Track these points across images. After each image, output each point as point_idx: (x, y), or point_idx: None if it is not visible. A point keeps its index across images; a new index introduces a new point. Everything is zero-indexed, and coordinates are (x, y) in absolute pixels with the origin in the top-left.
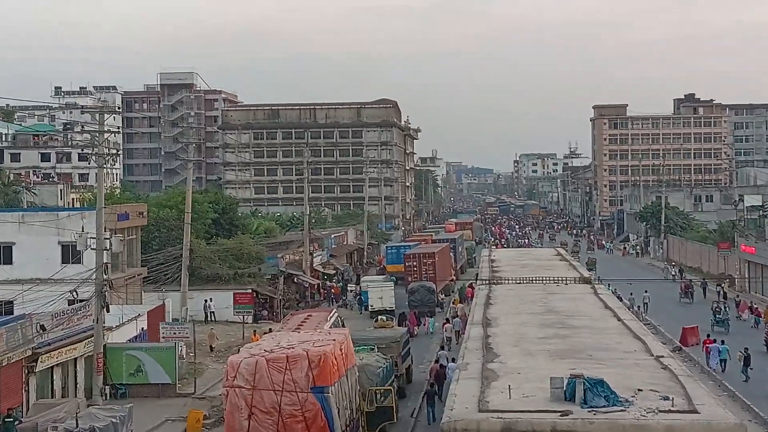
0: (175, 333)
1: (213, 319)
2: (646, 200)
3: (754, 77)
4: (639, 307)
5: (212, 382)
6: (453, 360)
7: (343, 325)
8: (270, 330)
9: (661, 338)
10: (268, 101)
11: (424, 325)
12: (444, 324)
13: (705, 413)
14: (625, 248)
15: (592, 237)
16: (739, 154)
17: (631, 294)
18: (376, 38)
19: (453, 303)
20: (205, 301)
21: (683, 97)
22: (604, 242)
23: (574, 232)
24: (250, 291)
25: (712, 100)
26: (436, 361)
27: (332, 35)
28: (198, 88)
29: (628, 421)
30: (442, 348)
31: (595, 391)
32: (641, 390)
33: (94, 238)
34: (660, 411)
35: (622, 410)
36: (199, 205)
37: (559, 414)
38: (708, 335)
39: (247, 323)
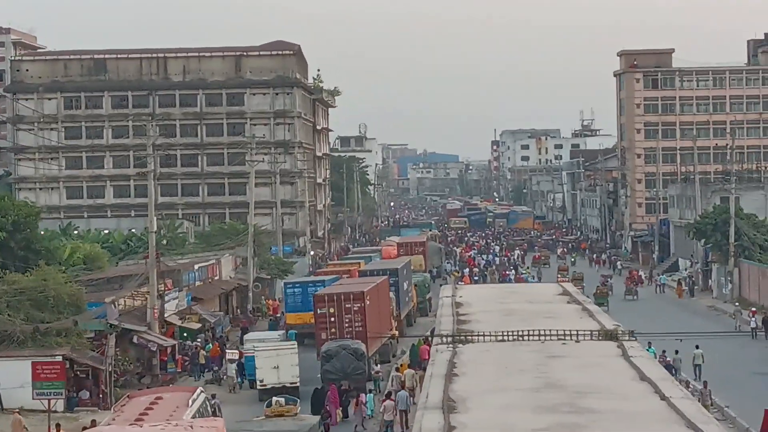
0: None
1: None
2: (706, 204)
3: None
4: (703, 386)
5: None
6: None
7: (217, 413)
8: (93, 423)
9: (731, 427)
10: (89, 46)
11: (356, 405)
12: (383, 401)
13: None
14: (681, 284)
15: (622, 267)
16: None
17: (677, 352)
18: None
19: (399, 369)
20: None
21: (762, 37)
22: (642, 274)
23: (594, 257)
24: (59, 359)
25: None
26: None
27: None
28: None
29: None
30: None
31: None
32: None
33: None
34: None
35: None
36: None
37: None
38: None
39: (55, 412)
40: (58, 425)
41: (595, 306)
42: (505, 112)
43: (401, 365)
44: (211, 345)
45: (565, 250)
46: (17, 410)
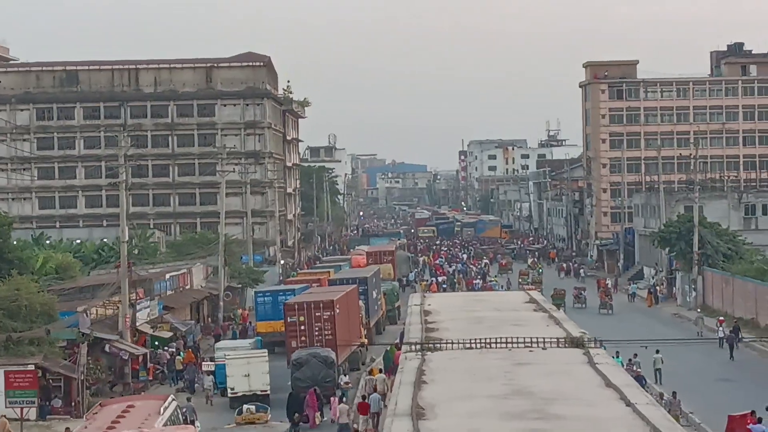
0: None
1: None
2: (670, 213)
3: None
4: (672, 395)
5: None
6: None
7: (189, 421)
8: (67, 431)
9: None
10: (61, 58)
11: (333, 405)
12: (338, 404)
13: None
14: (651, 292)
15: (586, 275)
16: None
17: (635, 356)
18: None
19: (371, 372)
20: None
21: (726, 49)
22: (609, 282)
23: (564, 265)
24: (32, 368)
25: None
26: None
27: None
28: None
29: None
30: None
31: None
32: None
33: None
34: None
35: None
36: None
37: None
38: (753, 412)
39: (27, 420)
40: None
41: (562, 314)
42: (473, 122)
43: (372, 369)
44: (183, 353)
45: (535, 260)
46: (3, 415)
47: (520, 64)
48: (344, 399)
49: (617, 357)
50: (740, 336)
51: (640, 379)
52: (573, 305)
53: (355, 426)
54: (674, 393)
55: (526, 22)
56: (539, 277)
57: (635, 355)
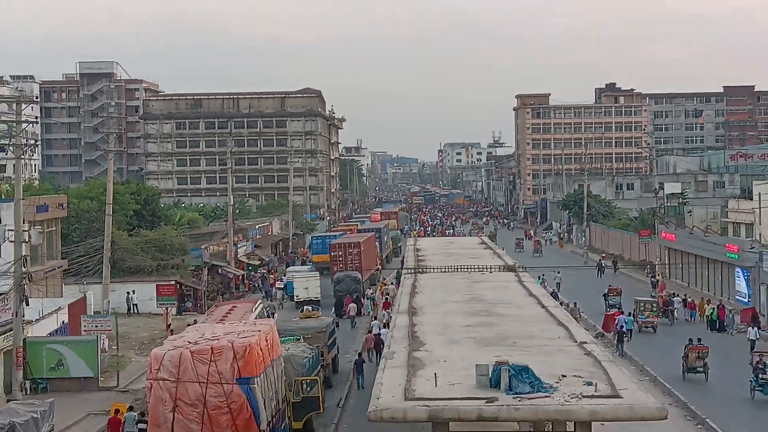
0: (96, 326)
1: (136, 311)
2: (569, 188)
3: (673, 66)
4: (573, 305)
5: (135, 376)
6: (386, 325)
7: (270, 315)
8: (195, 322)
9: (584, 325)
10: (190, 90)
11: (362, 306)
12: (349, 303)
13: (627, 398)
14: (561, 238)
15: (514, 227)
16: (659, 142)
17: (542, 276)
18: (298, 23)
19: (382, 285)
20: (128, 293)
21: (604, 86)
22: (532, 232)
23: (506, 222)
24: (173, 283)
25: (632, 90)
26: (369, 331)
27: (251, 20)
28: (118, 77)
29: (553, 407)
30: (375, 318)
31: (520, 377)
32: (565, 376)
33: (12, 230)
34: (584, 396)
35: (546, 396)
36: (121, 196)
37: (485, 401)
38: (620, 311)
39: (171, 315)
40: (171, 329)
41: (502, 251)
42: (447, 129)
43: (382, 283)
44: (267, 274)
45: (488, 219)
46: (167, 307)
47: (478, 92)
48: (372, 302)
49: (539, 279)
50: (617, 266)
51: (555, 294)
52: (515, 250)
53: (374, 315)
54: (575, 303)
55: (482, 68)
56: (482, 225)
57: (543, 275)
